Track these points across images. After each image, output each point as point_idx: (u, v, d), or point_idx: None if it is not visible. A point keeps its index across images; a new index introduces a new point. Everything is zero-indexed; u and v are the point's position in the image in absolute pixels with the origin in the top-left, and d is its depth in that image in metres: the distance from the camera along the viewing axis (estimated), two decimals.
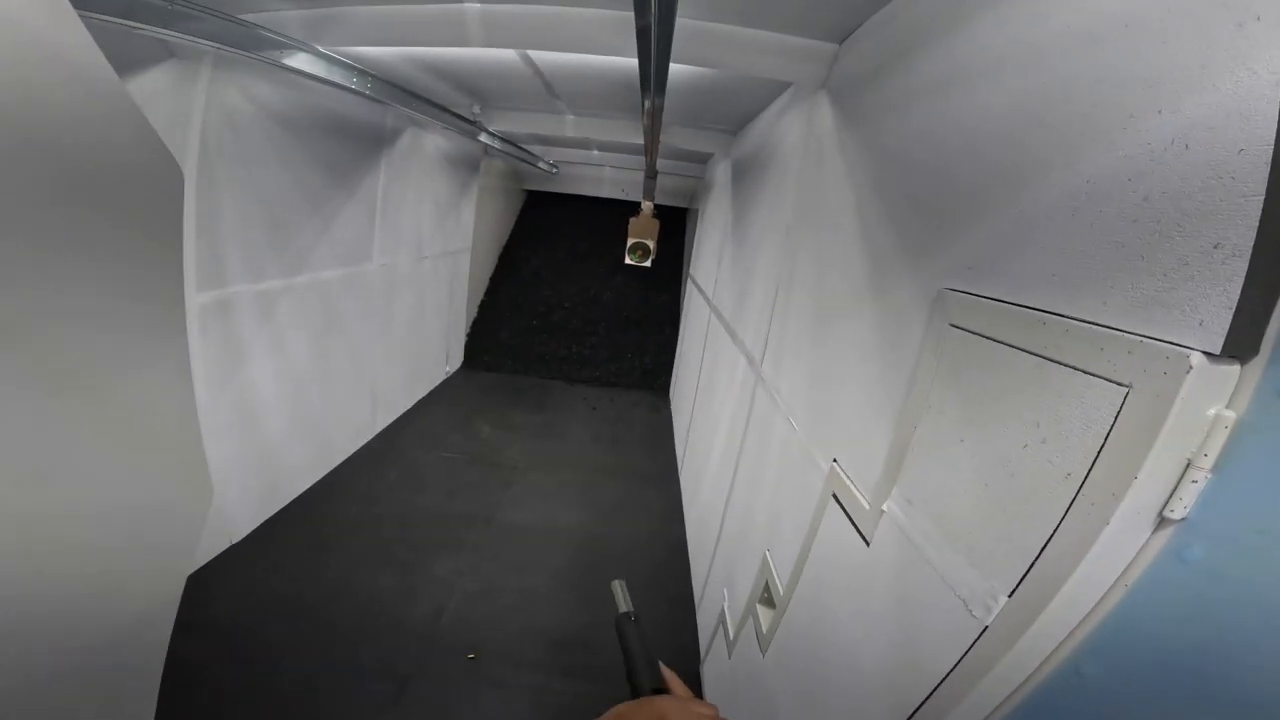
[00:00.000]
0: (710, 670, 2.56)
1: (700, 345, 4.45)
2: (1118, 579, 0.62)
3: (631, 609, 0.83)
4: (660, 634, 2.95)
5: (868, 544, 1.15)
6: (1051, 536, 0.65)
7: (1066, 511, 0.64)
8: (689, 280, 5.98)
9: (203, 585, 2.94)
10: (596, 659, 2.73)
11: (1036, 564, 0.67)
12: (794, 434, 1.79)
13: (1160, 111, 0.62)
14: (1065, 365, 0.68)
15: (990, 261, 0.89)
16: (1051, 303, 0.73)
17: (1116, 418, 0.60)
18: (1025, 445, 0.72)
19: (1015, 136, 0.87)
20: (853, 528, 1.23)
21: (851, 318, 1.45)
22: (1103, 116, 0.70)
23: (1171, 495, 0.57)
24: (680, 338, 6.25)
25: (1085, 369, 0.65)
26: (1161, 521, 0.59)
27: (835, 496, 1.37)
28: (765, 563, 1.90)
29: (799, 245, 2.06)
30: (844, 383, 1.45)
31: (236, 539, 3.28)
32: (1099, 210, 0.68)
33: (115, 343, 0.78)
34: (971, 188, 0.97)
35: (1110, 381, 0.61)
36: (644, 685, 0.73)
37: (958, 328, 0.93)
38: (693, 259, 6.03)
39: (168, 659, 2.31)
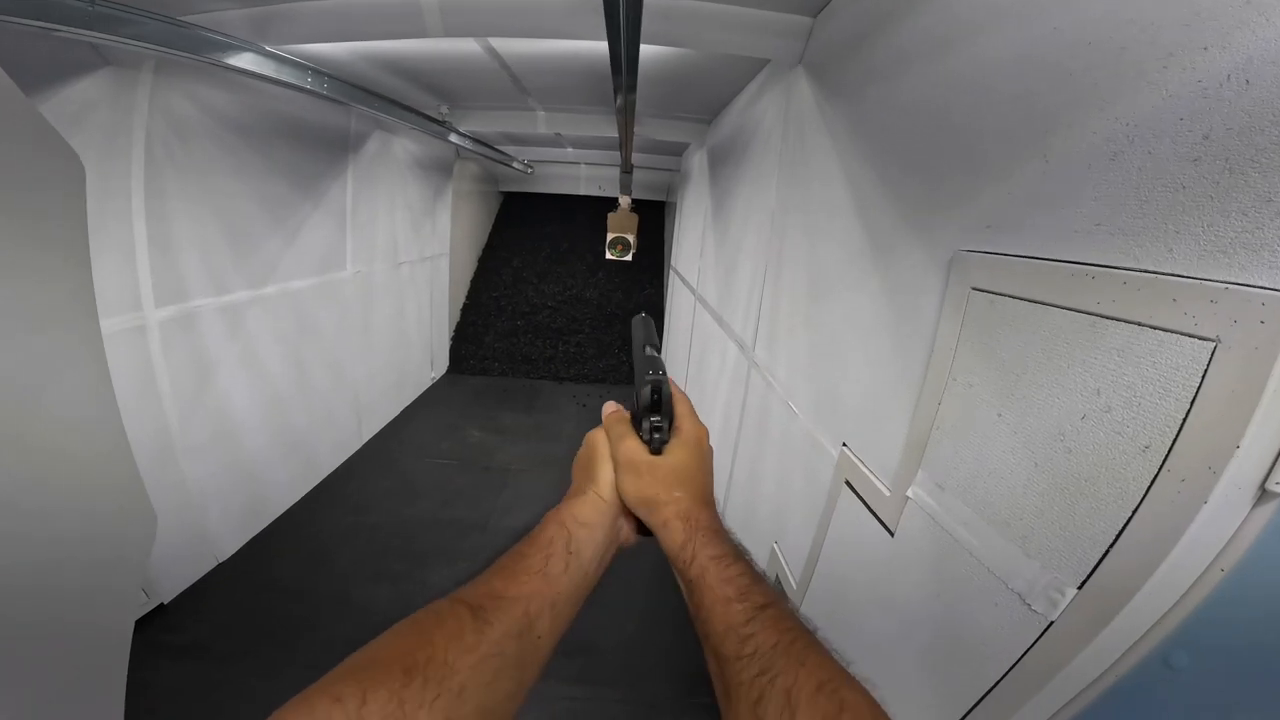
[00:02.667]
0: None
1: (687, 336, 4.38)
2: (1212, 562, 0.53)
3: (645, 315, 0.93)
4: (666, 632, 2.87)
5: (892, 534, 1.06)
6: (1130, 519, 0.57)
7: (1148, 490, 0.55)
8: (671, 272, 5.90)
9: (191, 607, 2.84)
10: (604, 663, 2.64)
11: (1112, 551, 0.59)
12: (796, 419, 1.71)
13: (1207, 49, 0.55)
14: (1126, 321, 0.59)
15: (1014, 218, 0.80)
16: (1100, 255, 0.64)
17: (1203, 378, 0.51)
18: (1084, 416, 0.64)
19: (1029, 87, 0.79)
20: (872, 516, 1.15)
21: (852, 293, 1.37)
22: (1135, 57, 0.62)
23: (1275, 465, 0.49)
24: (666, 330, 6.18)
25: (1154, 324, 0.56)
26: (1263, 495, 0.50)
27: (849, 483, 1.29)
28: (775, 555, 1.82)
29: (786, 225, 1.98)
30: (848, 361, 1.37)
31: (223, 558, 3.16)
32: (1148, 152, 0.60)
33: (17, 363, 0.68)
34: (981, 145, 0.89)
35: (1190, 336, 0.53)
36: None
37: (982, 291, 0.84)
38: (674, 251, 5.96)
39: (159, 685, 2.19)
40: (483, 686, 0.48)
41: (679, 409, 0.75)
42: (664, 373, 0.73)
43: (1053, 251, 0.72)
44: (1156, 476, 0.55)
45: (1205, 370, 0.51)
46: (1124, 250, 0.62)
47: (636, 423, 0.73)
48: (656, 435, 0.70)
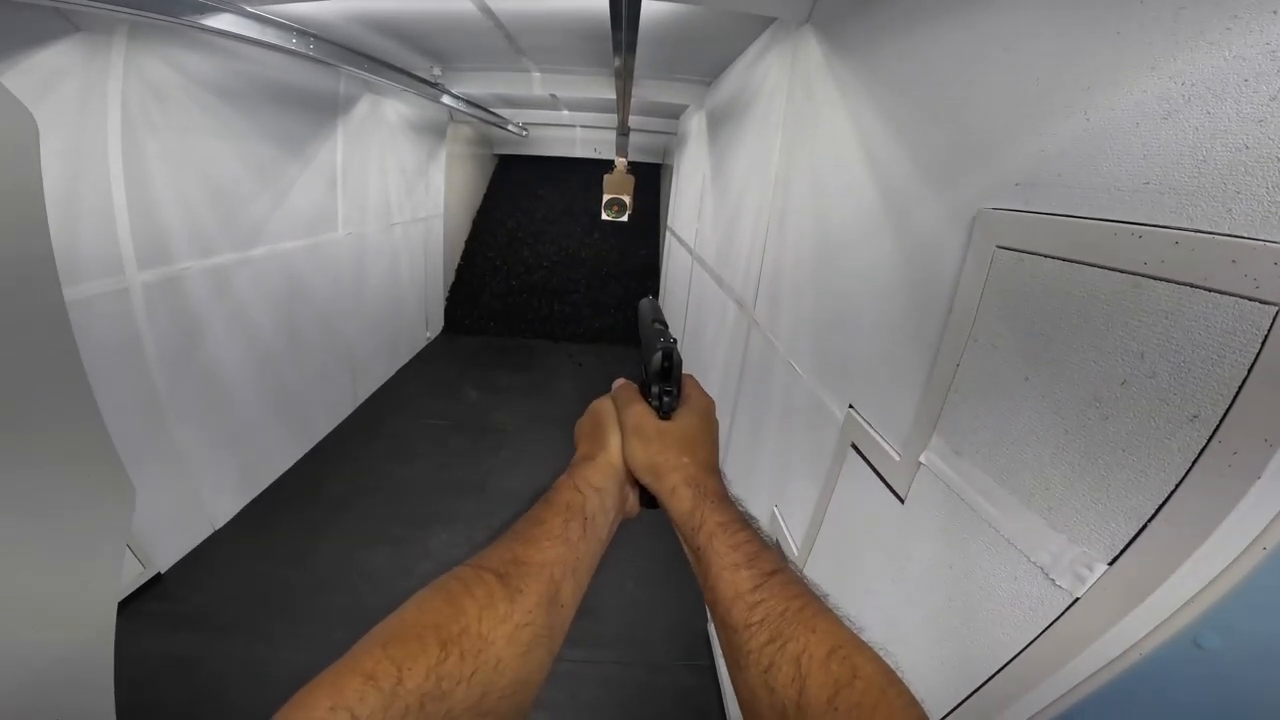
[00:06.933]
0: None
1: (684, 295, 4.33)
2: (1254, 540, 0.50)
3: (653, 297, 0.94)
4: (662, 599, 2.89)
5: (902, 501, 1.04)
6: (1173, 492, 0.54)
7: (1195, 462, 0.52)
8: (668, 233, 5.85)
9: (188, 576, 2.84)
10: (602, 626, 2.66)
11: (1150, 526, 0.56)
12: (798, 379, 1.68)
13: (1276, 12, 0.50)
14: (1177, 282, 0.55)
15: (1048, 176, 0.76)
16: (1147, 214, 0.60)
17: (1263, 344, 0.48)
18: (1124, 381, 0.60)
19: (1070, 44, 0.74)
20: (881, 482, 1.13)
21: (861, 250, 1.32)
22: (1195, 17, 0.57)
23: None
24: (662, 290, 6.15)
25: (1209, 286, 0.52)
26: None
27: (855, 447, 1.26)
28: (775, 519, 1.81)
29: (790, 184, 1.92)
30: (857, 321, 1.33)
31: (219, 524, 3.16)
32: (1206, 112, 0.56)
33: None
34: (1013, 102, 0.84)
35: (1250, 300, 0.49)
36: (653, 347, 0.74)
37: (1009, 249, 0.80)
38: (670, 212, 5.90)
39: (158, 656, 2.19)
40: (518, 658, 0.47)
41: (686, 381, 0.75)
42: (675, 342, 0.73)
43: (1092, 210, 0.67)
44: (1205, 448, 0.51)
45: (1266, 336, 0.48)
46: (1176, 209, 0.57)
47: (645, 390, 0.74)
48: (666, 399, 0.70)
